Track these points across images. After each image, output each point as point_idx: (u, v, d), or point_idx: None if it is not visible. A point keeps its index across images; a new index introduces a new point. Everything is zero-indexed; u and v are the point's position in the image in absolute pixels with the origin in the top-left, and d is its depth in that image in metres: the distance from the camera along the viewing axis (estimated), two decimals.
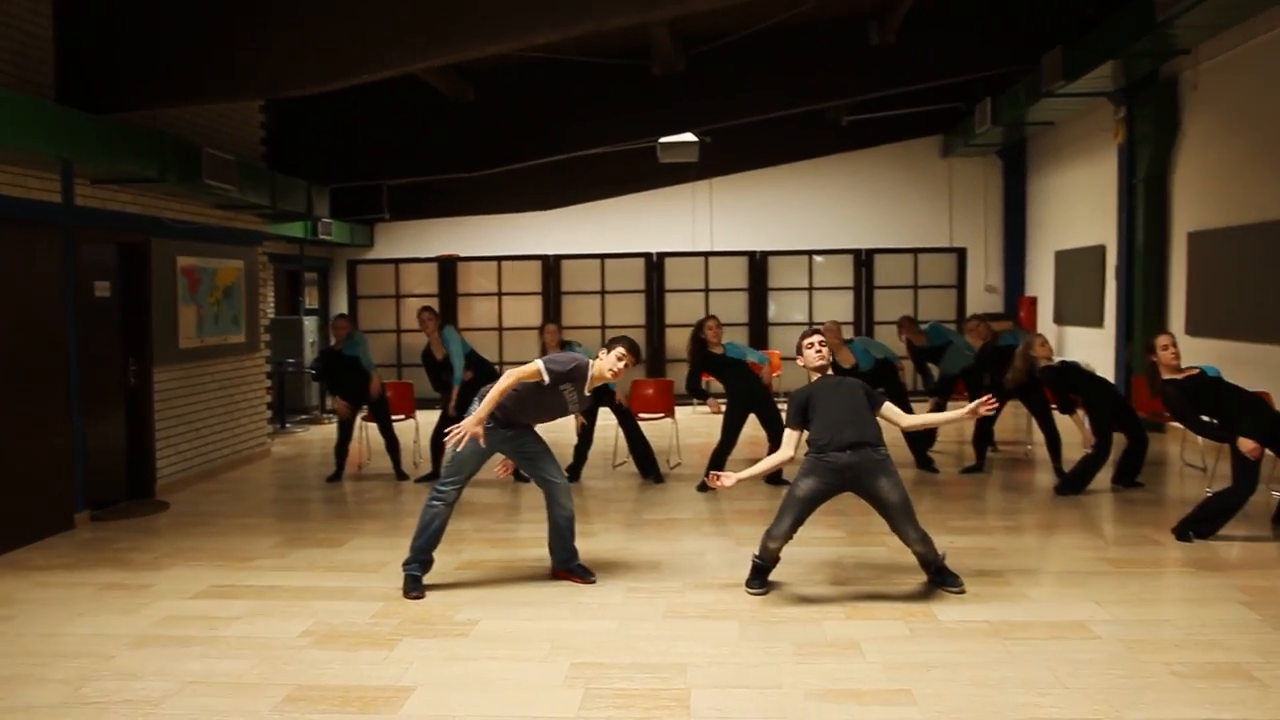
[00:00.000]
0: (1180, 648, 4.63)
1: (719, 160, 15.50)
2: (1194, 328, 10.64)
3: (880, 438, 5.46)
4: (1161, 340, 6.94)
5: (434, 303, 15.54)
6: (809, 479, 5.47)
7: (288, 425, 13.34)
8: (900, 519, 5.40)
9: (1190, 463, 9.29)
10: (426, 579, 5.79)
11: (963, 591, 5.48)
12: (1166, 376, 6.87)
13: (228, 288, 10.01)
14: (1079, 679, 4.29)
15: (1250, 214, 9.72)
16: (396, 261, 15.75)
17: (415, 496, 8.57)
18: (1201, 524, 6.58)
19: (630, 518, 7.64)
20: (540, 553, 6.51)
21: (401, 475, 9.46)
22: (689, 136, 13.55)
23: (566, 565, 5.95)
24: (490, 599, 5.59)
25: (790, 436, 5.65)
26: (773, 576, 5.71)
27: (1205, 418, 6.78)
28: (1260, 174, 9.61)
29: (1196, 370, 6.87)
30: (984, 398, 5.55)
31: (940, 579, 5.57)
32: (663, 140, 13.71)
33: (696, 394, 8.68)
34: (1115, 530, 6.94)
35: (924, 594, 5.51)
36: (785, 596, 5.53)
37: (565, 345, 9.15)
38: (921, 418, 6.01)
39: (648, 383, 10.26)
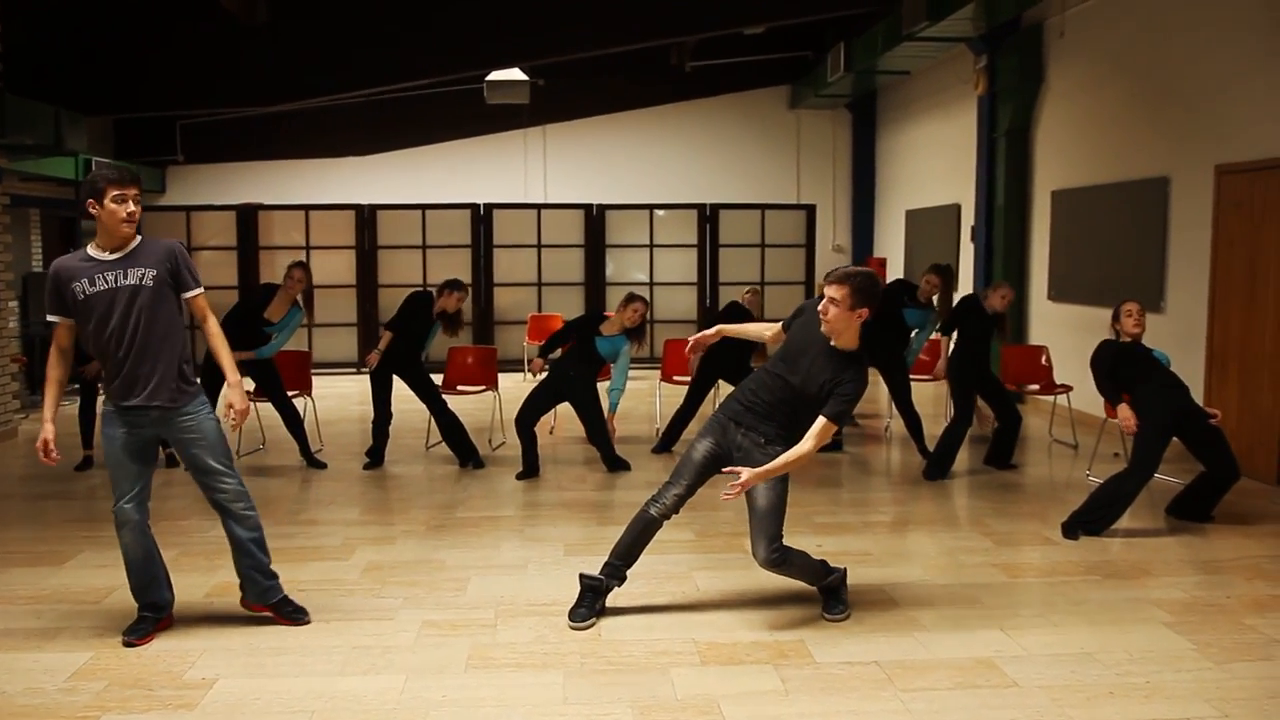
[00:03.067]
0: (1114, 696, 3.70)
1: (553, 106, 14.23)
2: (1056, 293, 10.00)
3: (778, 434, 4.32)
4: (1127, 306, 6.17)
5: (232, 256, 13.77)
6: (706, 440, 4.44)
7: None
8: (755, 528, 4.32)
9: (1060, 439, 8.61)
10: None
11: (846, 618, 4.45)
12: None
13: None
14: None
15: (1118, 172, 9.06)
16: (188, 209, 13.85)
17: (186, 489, 7.07)
18: (1092, 516, 5.77)
19: (438, 515, 6.35)
20: (323, 569, 5.23)
21: (172, 463, 7.91)
22: (518, 74, 12.21)
23: (265, 598, 4.43)
24: (239, 643, 4.24)
25: (774, 327, 4.68)
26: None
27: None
28: (1129, 129, 8.95)
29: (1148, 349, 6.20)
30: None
31: (824, 600, 4.52)
32: (490, 78, 12.33)
33: None
34: (999, 525, 6.06)
35: (794, 621, 4.45)
36: (621, 630, 4.38)
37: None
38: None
39: (467, 350, 8.92)
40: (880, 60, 11.88)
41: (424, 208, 13.88)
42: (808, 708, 3.62)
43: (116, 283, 4.04)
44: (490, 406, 8.88)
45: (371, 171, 14.86)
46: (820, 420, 4.12)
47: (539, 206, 14.21)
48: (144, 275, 4.07)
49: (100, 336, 4.07)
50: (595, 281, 14.06)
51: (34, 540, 5.90)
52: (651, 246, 14.21)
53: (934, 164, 13.16)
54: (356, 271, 13.78)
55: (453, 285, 7.68)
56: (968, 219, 11.90)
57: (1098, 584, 4.96)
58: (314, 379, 8.73)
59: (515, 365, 12.80)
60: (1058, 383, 8.65)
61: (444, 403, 7.70)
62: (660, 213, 14.29)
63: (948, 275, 8.15)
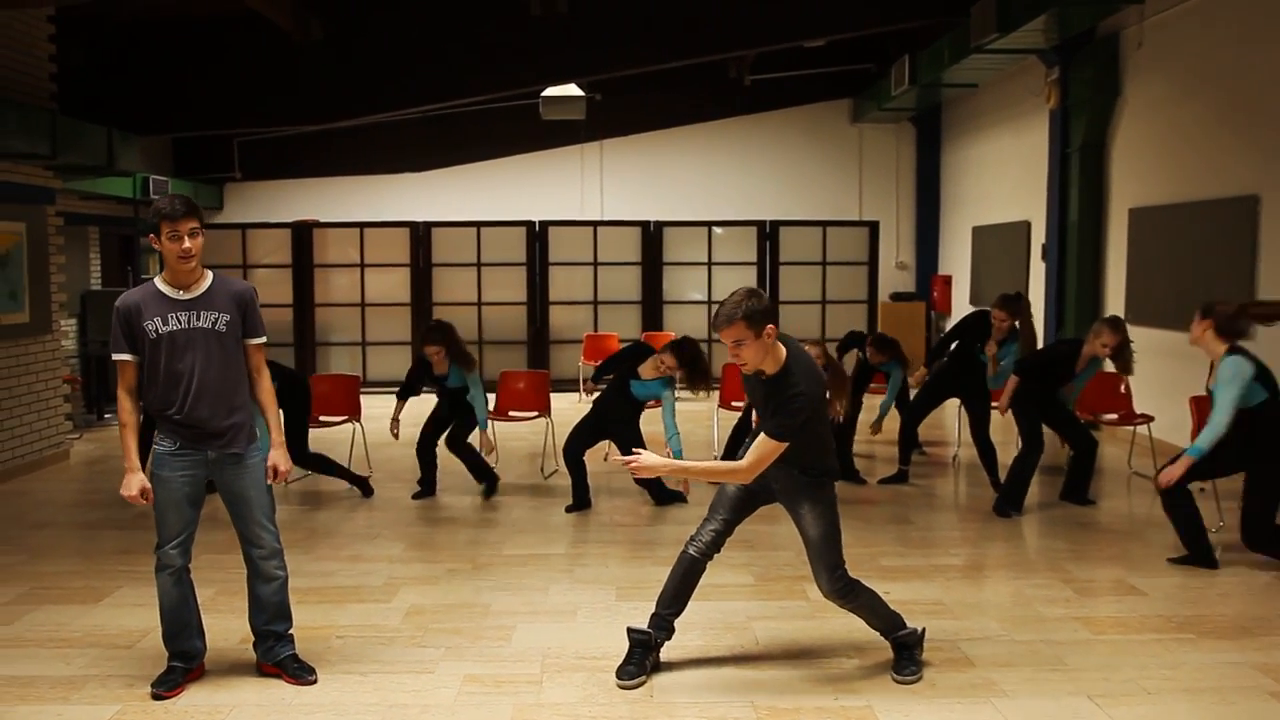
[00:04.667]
0: None
1: (610, 120, 14.05)
2: (1134, 315, 9.51)
3: (805, 464, 4.02)
4: None
5: (287, 274, 13.72)
6: None
7: (106, 416, 11.45)
8: (813, 559, 4.10)
9: (1140, 472, 8.15)
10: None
11: (917, 680, 4.12)
12: None
13: (3, 256, 8.16)
14: None
15: (1202, 189, 8.61)
16: (243, 227, 13.83)
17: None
18: (1196, 547, 5.61)
19: (486, 552, 6.11)
20: (363, 612, 5.00)
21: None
22: (574, 90, 12.03)
23: (274, 657, 4.22)
24: (271, 698, 4.02)
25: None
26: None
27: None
28: (1214, 144, 8.49)
29: None
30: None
31: (895, 658, 4.20)
32: (545, 94, 12.17)
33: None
34: (1079, 570, 5.67)
35: (861, 681, 4.13)
36: (675, 690, 4.09)
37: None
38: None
39: (519, 375, 8.68)
40: (946, 73, 11.51)
41: (479, 225, 13.74)
42: None
43: (190, 324, 3.91)
44: (543, 432, 8.65)
45: (426, 188, 14.81)
46: (760, 436, 3.83)
47: (595, 224, 14.00)
48: (217, 320, 3.95)
49: (168, 378, 3.92)
50: (652, 300, 13.80)
51: (72, 574, 5.75)
52: (710, 264, 13.93)
53: (1003, 179, 12.72)
54: (411, 289, 13.67)
55: (423, 337, 7.30)
56: (1038, 236, 11.47)
57: (1192, 643, 4.57)
58: (366, 399, 8.59)
59: (571, 385, 12.59)
60: (1137, 412, 8.21)
61: (469, 430, 7.46)
62: (719, 230, 14.01)
63: (1017, 306, 7.46)
